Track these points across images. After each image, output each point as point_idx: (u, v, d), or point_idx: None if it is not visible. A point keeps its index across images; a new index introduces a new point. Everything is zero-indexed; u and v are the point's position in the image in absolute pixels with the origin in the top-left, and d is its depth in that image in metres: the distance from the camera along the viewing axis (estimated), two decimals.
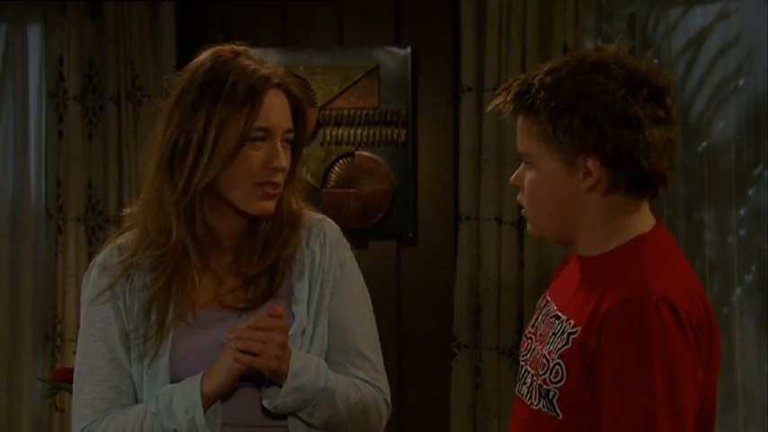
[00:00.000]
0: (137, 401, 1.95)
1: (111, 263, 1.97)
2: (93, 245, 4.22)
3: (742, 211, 3.98)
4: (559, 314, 1.84)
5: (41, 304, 4.25)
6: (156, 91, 4.19)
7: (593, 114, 1.75)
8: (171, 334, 1.92)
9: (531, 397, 1.84)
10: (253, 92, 1.90)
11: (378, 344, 2.03)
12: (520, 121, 1.84)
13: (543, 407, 1.80)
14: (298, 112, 1.96)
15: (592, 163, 1.78)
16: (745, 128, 3.93)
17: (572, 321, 1.80)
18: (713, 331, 1.80)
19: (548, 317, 1.88)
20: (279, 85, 1.93)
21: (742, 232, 3.96)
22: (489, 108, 1.94)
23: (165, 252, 1.93)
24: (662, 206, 4.03)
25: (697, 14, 4.02)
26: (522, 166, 1.86)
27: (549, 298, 1.92)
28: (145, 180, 1.96)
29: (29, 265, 4.24)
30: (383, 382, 2.01)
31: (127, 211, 2.02)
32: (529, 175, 1.84)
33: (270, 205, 1.94)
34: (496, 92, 1.89)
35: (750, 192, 3.96)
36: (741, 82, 3.95)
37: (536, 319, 1.93)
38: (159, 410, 1.88)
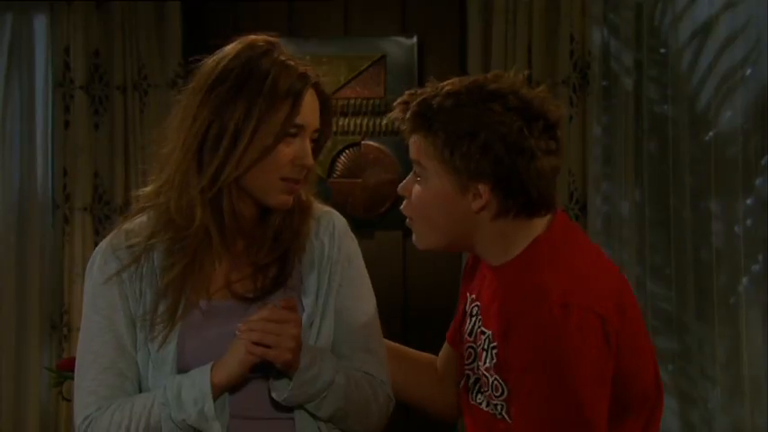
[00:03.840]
0: (141, 389, 1.94)
1: (119, 248, 1.95)
2: (99, 234, 4.22)
3: (749, 201, 3.97)
4: (484, 329, 1.92)
5: (48, 294, 4.26)
6: (162, 81, 4.19)
7: (490, 144, 1.82)
8: (180, 321, 1.92)
9: (486, 405, 1.91)
10: (294, 89, 1.91)
11: (381, 338, 2.04)
12: (415, 137, 1.91)
13: (497, 415, 1.88)
14: (324, 111, 1.97)
15: (482, 187, 1.85)
16: (751, 117, 3.92)
17: (491, 335, 1.88)
18: (624, 309, 1.83)
19: (479, 330, 1.94)
20: (314, 85, 1.95)
21: (749, 222, 3.95)
22: (386, 121, 2.01)
23: (185, 236, 1.92)
24: (668, 196, 4.02)
25: (704, 3, 4.00)
26: (411, 175, 1.94)
27: (477, 305, 1.97)
28: (162, 161, 1.94)
29: (35, 255, 4.25)
30: (386, 375, 2.01)
31: (138, 192, 2.00)
32: (417, 188, 1.93)
33: (289, 199, 1.95)
34: (394, 104, 1.96)
35: (757, 181, 3.96)
36: (748, 71, 3.94)
37: (472, 326, 1.98)
38: (167, 400, 1.88)
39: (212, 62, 1.94)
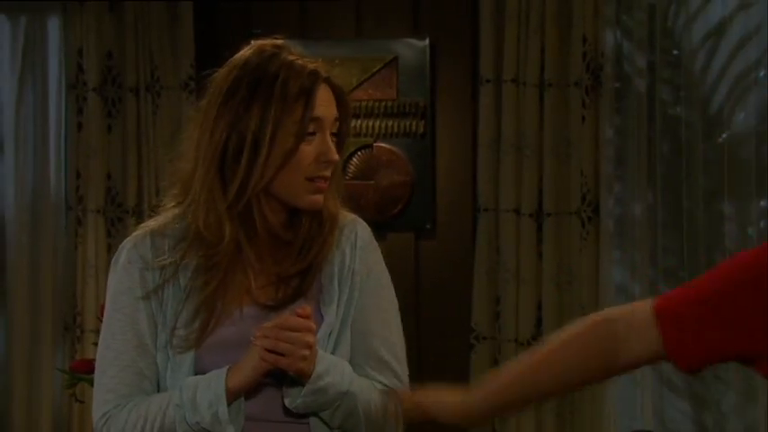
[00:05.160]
0: (159, 388, 1.94)
1: (144, 251, 1.95)
2: (112, 236, 4.23)
3: (762, 203, 3.96)
4: None
5: (61, 295, 4.27)
6: (175, 83, 4.20)
7: None
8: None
9: None
10: (305, 88, 1.90)
11: (402, 350, 2.01)
12: None
13: None
14: (340, 103, 1.96)
15: None
16: (765, 119, 3.91)
17: None
18: None
19: None
20: (325, 79, 1.94)
21: (762, 224, 3.94)
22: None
23: (216, 252, 1.91)
24: (681, 197, 4.01)
25: (717, 5, 3.99)
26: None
27: None
28: (184, 179, 1.93)
29: (49, 257, 4.25)
30: (405, 388, 1.99)
31: (159, 204, 1.99)
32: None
33: (319, 199, 1.93)
34: None
35: None
36: (761, 73, 3.93)
37: None
38: (183, 402, 1.88)
39: (223, 74, 1.93)
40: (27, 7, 4.27)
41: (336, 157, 1.93)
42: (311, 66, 1.93)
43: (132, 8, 4.21)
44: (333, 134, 1.95)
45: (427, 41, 4.17)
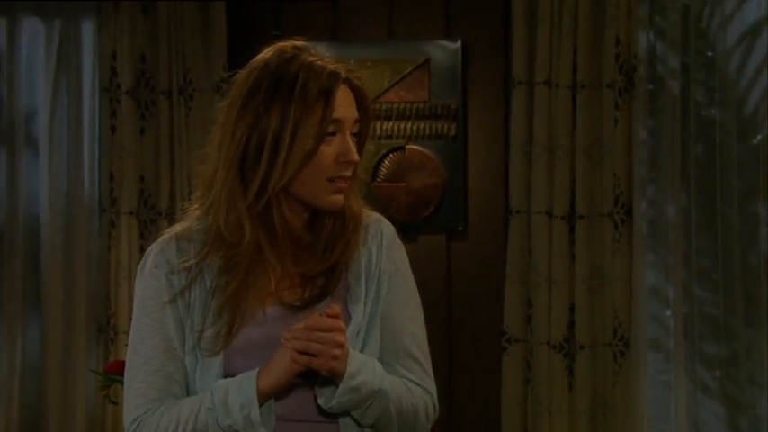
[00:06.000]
0: (188, 391, 1.95)
1: (170, 256, 1.96)
2: (145, 238, 4.25)
3: None
4: None
5: (95, 297, 4.29)
6: (208, 85, 4.21)
7: None
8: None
9: None
10: (325, 89, 1.90)
11: (427, 347, 2.02)
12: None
13: None
14: (361, 104, 1.97)
15: None
16: None
17: None
18: None
19: None
20: (345, 80, 1.94)
21: None
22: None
23: (237, 252, 1.92)
24: (716, 199, 3.99)
25: (752, 5, 3.97)
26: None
27: None
28: (207, 180, 1.94)
29: (82, 259, 4.28)
30: (432, 384, 2.00)
31: (186, 207, 2.00)
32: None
33: (339, 199, 1.94)
34: None
35: None
36: None
37: None
38: (214, 405, 1.88)
39: (244, 75, 1.94)
40: (62, 11, 4.30)
41: (357, 157, 1.93)
42: (331, 67, 1.93)
43: (165, 12, 4.23)
44: (353, 135, 1.95)
45: (459, 43, 4.16)
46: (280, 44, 1.96)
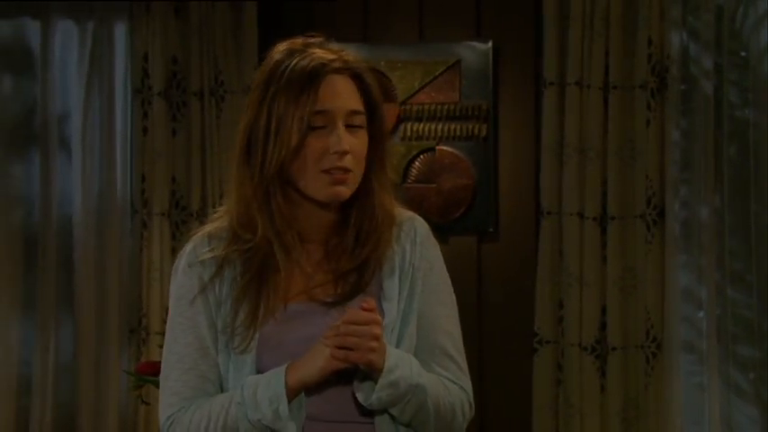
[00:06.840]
0: (222, 390, 1.95)
1: (201, 254, 1.97)
2: (176, 239, 4.27)
3: None
4: None
5: (127, 298, 4.31)
6: (239, 87, 4.23)
7: None
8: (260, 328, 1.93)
9: None
10: (309, 79, 1.90)
11: (462, 345, 2.01)
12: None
13: None
14: (369, 99, 1.95)
15: None
16: None
17: None
18: None
19: None
20: (343, 71, 1.92)
21: None
22: None
23: (251, 247, 1.93)
24: (749, 201, 3.96)
25: None
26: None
27: None
28: (229, 178, 1.98)
29: (114, 260, 4.30)
30: (467, 383, 1.99)
31: (216, 209, 2.03)
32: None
33: (341, 190, 1.93)
34: None
35: None
36: None
37: None
38: (244, 400, 1.89)
39: (258, 71, 1.96)
40: (95, 13, 4.32)
41: (346, 147, 1.90)
42: (329, 56, 1.91)
43: (197, 14, 4.25)
44: (354, 126, 1.92)
45: (490, 44, 4.15)
46: (291, 40, 1.96)
